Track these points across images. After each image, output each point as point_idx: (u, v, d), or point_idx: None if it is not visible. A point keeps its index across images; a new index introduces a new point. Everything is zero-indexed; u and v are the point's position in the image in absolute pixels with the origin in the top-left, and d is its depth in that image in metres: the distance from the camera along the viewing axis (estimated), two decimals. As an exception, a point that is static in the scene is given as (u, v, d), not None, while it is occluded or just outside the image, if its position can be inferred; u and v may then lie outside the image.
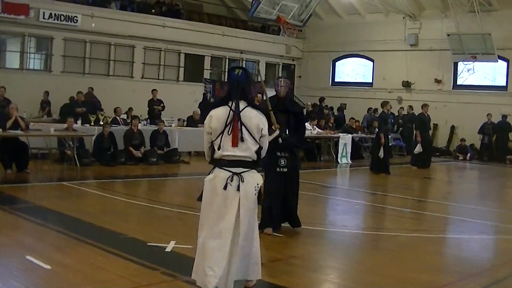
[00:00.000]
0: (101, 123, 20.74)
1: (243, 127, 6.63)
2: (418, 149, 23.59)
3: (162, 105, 24.84)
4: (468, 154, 28.83)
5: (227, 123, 6.63)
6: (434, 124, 30.81)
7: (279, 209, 10.16)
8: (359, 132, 27.36)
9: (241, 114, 6.66)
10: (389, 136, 21.54)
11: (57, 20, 26.15)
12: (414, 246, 10.28)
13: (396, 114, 28.72)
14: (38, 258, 7.94)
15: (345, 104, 32.99)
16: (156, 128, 21.18)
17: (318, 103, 29.36)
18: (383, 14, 33.43)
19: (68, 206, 12.03)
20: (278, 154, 10.03)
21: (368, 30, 33.66)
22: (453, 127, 30.96)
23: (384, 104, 21.91)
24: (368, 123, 28.89)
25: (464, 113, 29.60)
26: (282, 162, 10.09)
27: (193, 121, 24.21)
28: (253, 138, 6.69)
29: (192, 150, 23.61)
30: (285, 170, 10.14)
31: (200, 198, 6.95)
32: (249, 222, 6.66)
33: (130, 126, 20.50)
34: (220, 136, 6.66)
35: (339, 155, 24.17)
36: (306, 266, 8.52)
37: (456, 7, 29.09)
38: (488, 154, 28.34)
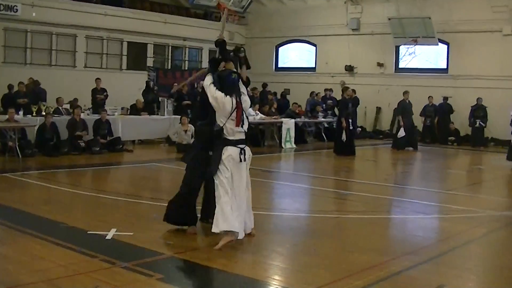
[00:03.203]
0: (43, 113, 20.55)
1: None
2: (401, 133, 25.11)
3: (105, 93, 24.66)
4: (411, 136, 29.23)
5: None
6: (377, 107, 31.36)
7: None
8: (302, 117, 27.49)
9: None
10: (349, 120, 21.96)
11: (-4, 10, 25.86)
12: (352, 227, 10.54)
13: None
14: (-24, 250, 7.94)
15: (289, 89, 33.11)
16: (99, 117, 21.07)
17: (262, 89, 29.39)
18: (325, -1, 33.64)
19: (9, 198, 11.98)
20: None
21: (310, 15, 33.80)
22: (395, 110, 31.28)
23: (344, 89, 23.07)
24: (311, 108, 29.06)
25: (406, 96, 30.03)
26: None
27: (136, 110, 24.13)
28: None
29: (136, 139, 23.51)
30: None
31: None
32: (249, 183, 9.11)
33: (72, 115, 20.35)
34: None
35: (283, 140, 24.30)
36: (244, 249, 8.66)
37: (397, -9, 29.50)
38: (431, 136, 28.76)
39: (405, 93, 25.69)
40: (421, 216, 11.81)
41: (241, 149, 8.75)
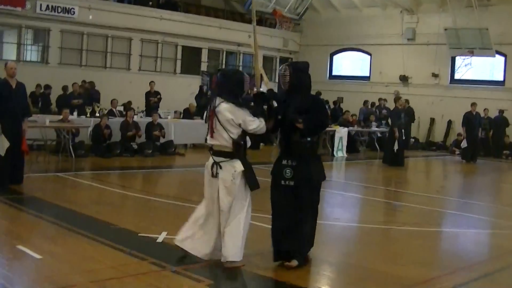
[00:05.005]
0: (97, 114, 20.76)
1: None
2: (463, 144, 25.69)
3: (159, 96, 24.80)
4: (465, 149, 28.92)
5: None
6: (431, 118, 31.02)
7: (281, 231, 7.97)
8: (355, 125, 27.33)
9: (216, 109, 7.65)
10: (402, 131, 21.80)
11: (54, 12, 26.13)
12: (403, 240, 10.34)
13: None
14: (29, 247, 7.99)
15: (342, 97, 32.98)
16: (151, 120, 21.17)
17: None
18: (380, 8, 33.42)
19: (62, 197, 12.12)
20: (284, 162, 8.04)
21: (366, 24, 33.61)
22: (449, 122, 30.94)
23: (396, 99, 22.90)
24: (364, 117, 28.94)
25: (461, 107, 29.22)
26: (288, 173, 7.94)
27: (189, 114, 24.23)
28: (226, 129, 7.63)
29: (188, 143, 23.57)
30: (291, 183, 7.91)
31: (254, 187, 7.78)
32: (228, 206, 7.61)
33: (125, 117, 20.49)
34: None
35: (335, 149, 24.20)
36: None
37: (454, 1, 29.12)
38: (485, 149, 28.28)
39: (472, 104, 25.69)
40: (473, 230, 11.58)
41: (215, 162, 7.68)
